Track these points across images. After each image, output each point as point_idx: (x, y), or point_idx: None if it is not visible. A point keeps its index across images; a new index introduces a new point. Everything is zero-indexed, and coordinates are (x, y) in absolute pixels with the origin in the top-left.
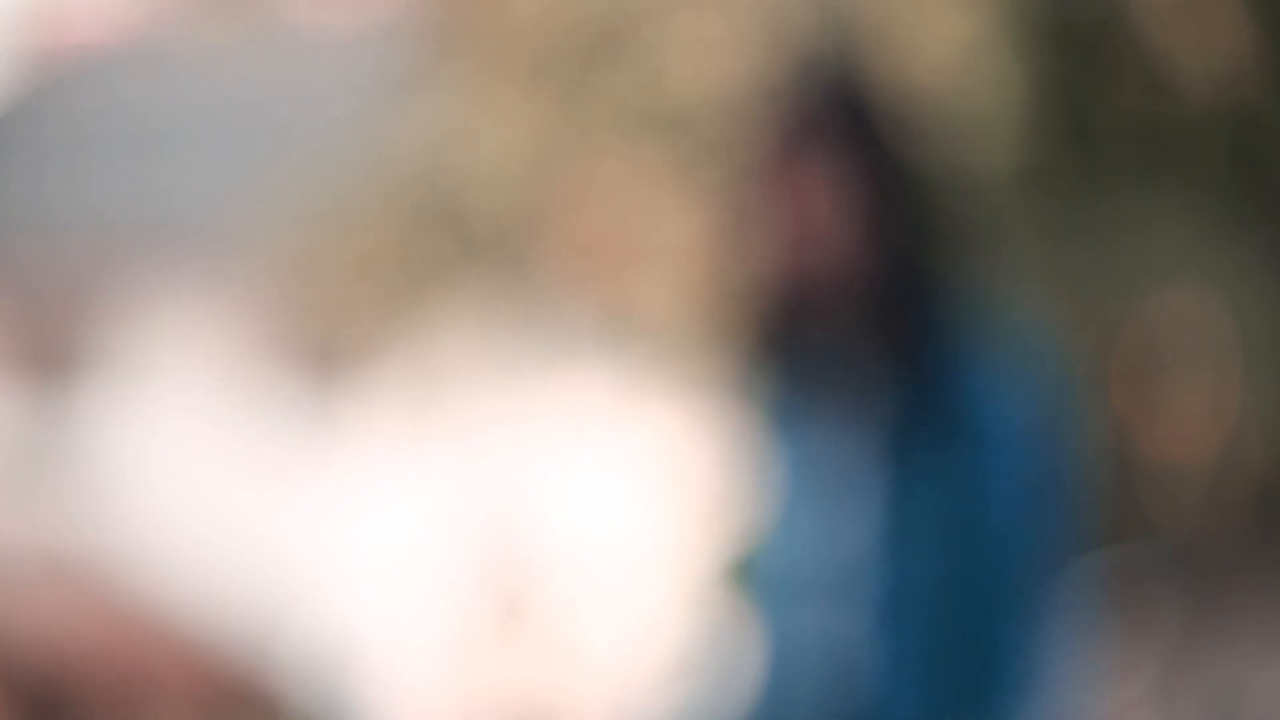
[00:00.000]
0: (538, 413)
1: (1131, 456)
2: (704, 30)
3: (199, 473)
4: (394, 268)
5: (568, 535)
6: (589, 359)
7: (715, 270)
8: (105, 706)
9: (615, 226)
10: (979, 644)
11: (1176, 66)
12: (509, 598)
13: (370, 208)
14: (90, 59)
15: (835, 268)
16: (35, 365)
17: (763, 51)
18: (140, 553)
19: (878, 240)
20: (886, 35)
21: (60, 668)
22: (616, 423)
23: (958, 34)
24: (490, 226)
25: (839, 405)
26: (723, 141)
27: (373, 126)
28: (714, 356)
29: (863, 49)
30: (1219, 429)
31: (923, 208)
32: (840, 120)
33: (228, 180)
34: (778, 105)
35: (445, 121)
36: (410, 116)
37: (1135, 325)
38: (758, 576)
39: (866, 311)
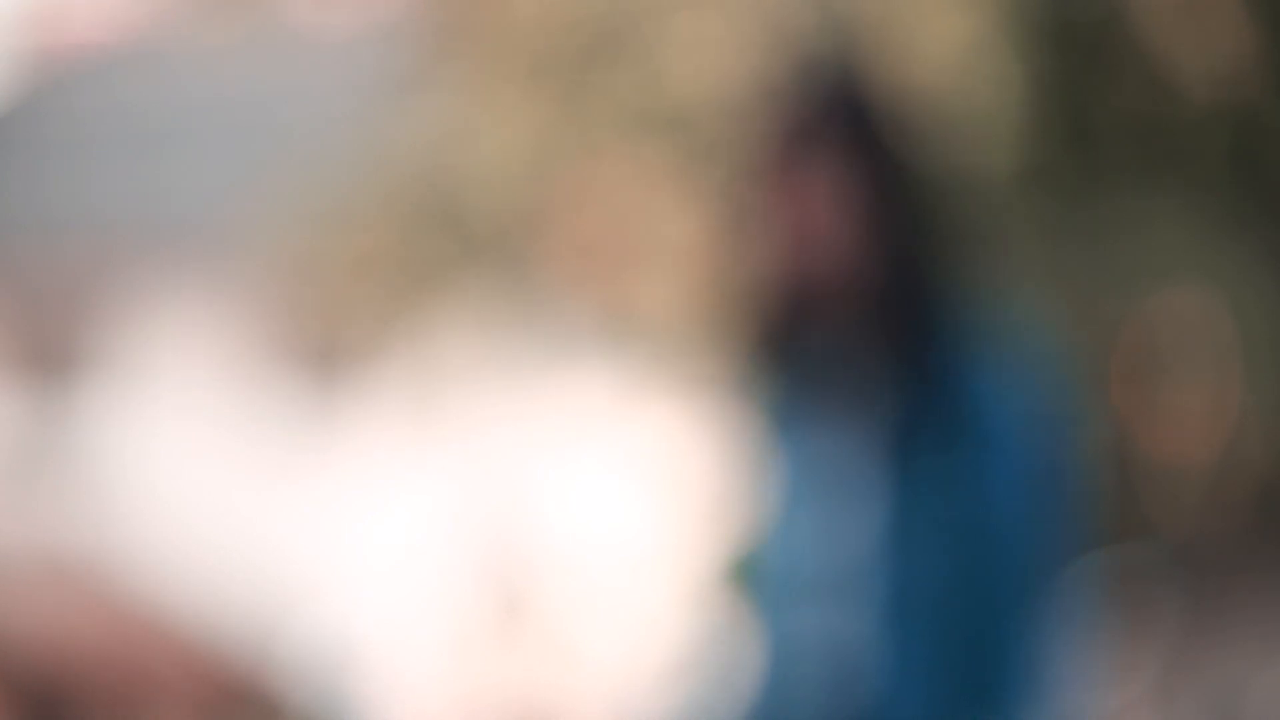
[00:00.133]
0: (538, 413)
1: (1131, 456)
2: (704, 30)
3: (199, 473)
4: (394, 268)
5: (568, 535)
6: (589, 359)
7: (715, 270)
8: (105, 706)
9: (615, 226)
10: (981, 644)
11: (1176, 66)
12: (509, 598)
13: (370, 208)
14: (90, 59)
15: (836, 268)
16: (35, 365)
17: (763, 52)
18: (140, 553)
19: (879, 240)
20: (886, 35)
21: (60, 668)
22: (616, 423)
23: (958, 34)
24: (490, 226)
25: (840, 406)
26: (723, 142)
27: (373, 126)
28: (714, 357)
29: (863, 49)
30: (1219, 429)
31: (923, 208)
32: (841, 121)
33: (228, 180)
34: (778, 106)
35: (445, 121)
36: (410, 116)
37: (1135, 325)
38: (759, 577)
39: (867, 312)
